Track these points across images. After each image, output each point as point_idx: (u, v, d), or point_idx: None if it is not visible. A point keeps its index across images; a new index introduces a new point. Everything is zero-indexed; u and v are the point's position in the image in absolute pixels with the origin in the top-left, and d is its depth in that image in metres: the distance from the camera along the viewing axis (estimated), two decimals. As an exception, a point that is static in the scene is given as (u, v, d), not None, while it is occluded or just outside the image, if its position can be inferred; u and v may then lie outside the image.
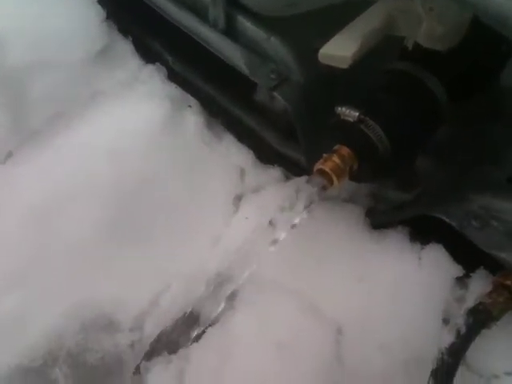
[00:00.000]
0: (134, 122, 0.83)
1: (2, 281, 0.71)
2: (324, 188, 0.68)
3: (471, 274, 0.68)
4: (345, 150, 0.68)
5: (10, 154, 0.82)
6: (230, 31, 0.81)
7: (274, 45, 0.79)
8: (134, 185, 0.78)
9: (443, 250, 0.69)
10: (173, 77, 0.90)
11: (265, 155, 0.84)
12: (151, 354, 0.68)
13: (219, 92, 0.91)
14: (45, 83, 0.84)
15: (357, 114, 0.68)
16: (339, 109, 0.69)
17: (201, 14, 0.83)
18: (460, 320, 0.61)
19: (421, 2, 0.66)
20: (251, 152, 0.84)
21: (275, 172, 0.81)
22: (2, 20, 0.83)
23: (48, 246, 0.75)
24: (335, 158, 0.68)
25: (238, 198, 0.79)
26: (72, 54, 0.85)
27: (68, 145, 0.82)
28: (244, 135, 0.87)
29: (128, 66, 0.88)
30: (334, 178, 0.67)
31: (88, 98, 0.86)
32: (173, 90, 0.87)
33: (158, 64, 0.90)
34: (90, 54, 0.87)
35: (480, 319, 0.61)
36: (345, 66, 0.70)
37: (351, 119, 0.68)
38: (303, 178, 0.78)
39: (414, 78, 0.71)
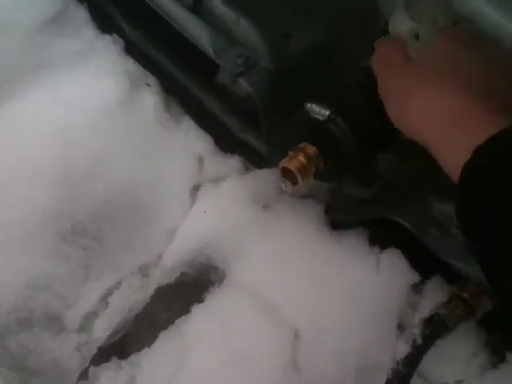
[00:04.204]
0: (86, 97, 0.77)
1: None
2: (288, 188, 0.67)
3: (426, 281, 0.69)
4: (311, 149, 0.66)
5: None
6: (198, 8, 0.76)
7: (244, 27, 0.75)
8: (84, 167, 0.73)
9: (401, 255, 0.69)
10: (130, 50, 0.84)
11: (224, 142, 0.81)
12: (100, 358, 0.64)
13: (179, 69, 0.86)
14: (-13, 49, 0.77)
15: (327, 112, 0.65)
16: (309, 105, 0.67)
17: (166, -15, 0.78)
18: (416, 330, 0.62)
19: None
20: (211, 138, 0.80)
21: (235, 161, 0.78)
22: None
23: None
24: (301, 157, 0.66)
25: (196, 189, 0.75)
26: (22, 18, 0.79)
27: (12, 118, 0.76)
28: (203, 119, 0.82)
29: (82, 35, 0.82)
30: (299, 178, 0.65)
31: (37, 67, 0.79)
32: (130, 65, 0.81)
33: (114, 35, 0.84)
34: (42, 19, 0.80)
35: (436, 330, 0.61)
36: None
37: (321, 118, 0.66)
38: (264, 172, 0.76)
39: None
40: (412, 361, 0.61)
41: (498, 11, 0.45)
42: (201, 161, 0.77)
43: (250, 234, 0.71)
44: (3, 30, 0.79)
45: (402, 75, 0.53)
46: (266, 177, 0.74)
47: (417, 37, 0.64)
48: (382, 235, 0.71)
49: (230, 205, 0.72)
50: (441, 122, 0.46)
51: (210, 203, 0.73)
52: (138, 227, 0.73)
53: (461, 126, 0.44)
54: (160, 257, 0.72)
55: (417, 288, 0.68)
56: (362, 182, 0.78)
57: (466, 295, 0.62)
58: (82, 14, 0.84)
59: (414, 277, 0.68)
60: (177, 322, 0.67)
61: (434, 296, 0.66)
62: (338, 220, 0.75)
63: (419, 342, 0.61)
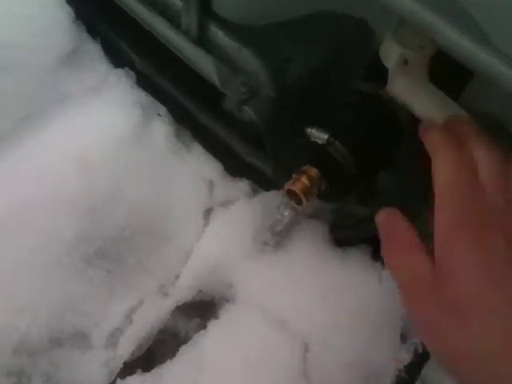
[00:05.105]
0: (102, 129, 0.82)
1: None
2: (293, 209, 0.71)
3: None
4: (313, 172, 0.71)
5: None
6: (202, 40, 0.80)
7: (246, 56, 0.79)
8: (102, 196, 0.78)
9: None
10: (141, 82, 0.89)
11: (233, 167, 0.85)
12: (125, 371, 0.70)
13: (187, 97, 0.90)
14: (10, 86, 0.82)
15: (326, 136, 0.70)
16: (309, 130, 0.71)
17: (173, 20, 0.82)
18: (416, 339, 0.66)
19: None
20: (219, 163, 0.85)
21: (244, 185, 0.82)
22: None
23: (11, 258, 0.74)
24: (304, 179, 0.70)
25: (208, 212, 0.81)
26: (40, 56, 0.83)
27: (34, 151, 0.80)
28: (213, 145, 0.87)
29: (96, 69, 0.87)
30: (303, 199, 0.70)
31: (54, 102, 0.84)
32: (142, 96, 0.86)
33: (126, 69, 0.89)
34: (59, 56, 0.84)
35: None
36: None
37: (320, 141, 0.70)
38: (271, 194, 0.80)
39: (382, 101, 0.73)
40: (414, 369, 0.65)
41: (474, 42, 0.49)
42: (211, 185, 0.82)
43: (260, 253, 0.76)
44: (23, 68, 0.83)
45: (432, 303, 0.43)
46: (274, 199, 0.79)
47: (406, 62, 0.68)
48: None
49: (240, 226, 0.77)
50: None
51: (222, 225, 0.78)
52: (155, 250, 0.78)
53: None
54: (177, 277, 0.77)
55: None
56: (364, 200, 0.83)
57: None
58: (95, 50, 0.88)
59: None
60: (195, 336, 0.73)
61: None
62: (342, 238, 0.79)
63: (420, 350, 0.66)
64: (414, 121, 0.75)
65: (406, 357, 0.66)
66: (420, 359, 0.66)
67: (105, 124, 0.84)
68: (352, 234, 0.79)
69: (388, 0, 0.51)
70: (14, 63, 0.82)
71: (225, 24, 0.80)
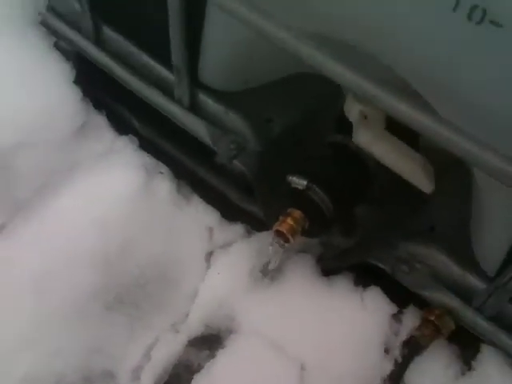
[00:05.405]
0: (111, 189, 0.94)
1: (12, 345, 0.81)
2: (282, 246, 0.83)
3: (403, 311, 0.83)
4: (297, 213, 0.82)
5: (2, 227, 0.91)
6: (194, 107, 0.93)
7: (232, 119, 0.92)
8: (117, 249, 0.89)
9: (381, 291, 0.84)
10: (144, 146, 1.01)
11: (229, 213, 0.97)
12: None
13: (185, 154, 1.03)
14: (30, 160, 0.95)
15: (305, 182, 0.82)
16: (290, 178, 0.83)
17: (166, 91, 0.95)
18: (397, 351, 0.77)
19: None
20: (217, 211, 0.96)
21: (239, 228, 0.94)
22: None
23: (44, 309, 0.85)
24: (289, 221, 0.82)
25: (209, 255, 0.92)
26: (54, 132, 0.96)
27: (54, 215, 0.92)
28: (209, 194, 0.99)
29: (104, 138, 0.99)
30: (290, 237, 0.81)
31: (70, 169, 0.96)
32: (145, 158, 0.98)
33: (130, 135, 1.01)
34: (70, 130, 0.97)
35: (412, 350, 0.76)
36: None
37: (300, 187, 0.82)
38: (264, 234, 0.92)
39: (350, 149, 0.86)
40: (395, 377, 0.75)
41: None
42: (210, 231, 0.94)
43: (257, 287, 0.87)
44: (39, 144, 0.96)
45: None
46: (266, 238, 0.90)
47: (365, 117, 0.81)
48: (363, 276, 0.87)
49: (238, 265, 0.89)
50: None
51: (223, 265, 0.90)
52: (166, 293, 0.89)
53: None
54: (187, 315, 0.88)
55: (397, 317, 0.83)
56: (345, 233, 0.94)
57: (432, 318, 0.76)
58: (102, 121, 1.01)
59: (393, 308, 0.83)
60: (206, 365, 0.83)
61: (411, 322, 0.81)
62: (328, 267, 0.90)
63: (400, 361, 0.76)
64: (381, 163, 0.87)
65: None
66: (400, 368, 0.76)
67: (114, 185, 0.95)
68: (337, 264, 0.90)
69: (337, 78, 0.62)
70: (32, 140, 0.95)
71: (212, 92, 0.93)
